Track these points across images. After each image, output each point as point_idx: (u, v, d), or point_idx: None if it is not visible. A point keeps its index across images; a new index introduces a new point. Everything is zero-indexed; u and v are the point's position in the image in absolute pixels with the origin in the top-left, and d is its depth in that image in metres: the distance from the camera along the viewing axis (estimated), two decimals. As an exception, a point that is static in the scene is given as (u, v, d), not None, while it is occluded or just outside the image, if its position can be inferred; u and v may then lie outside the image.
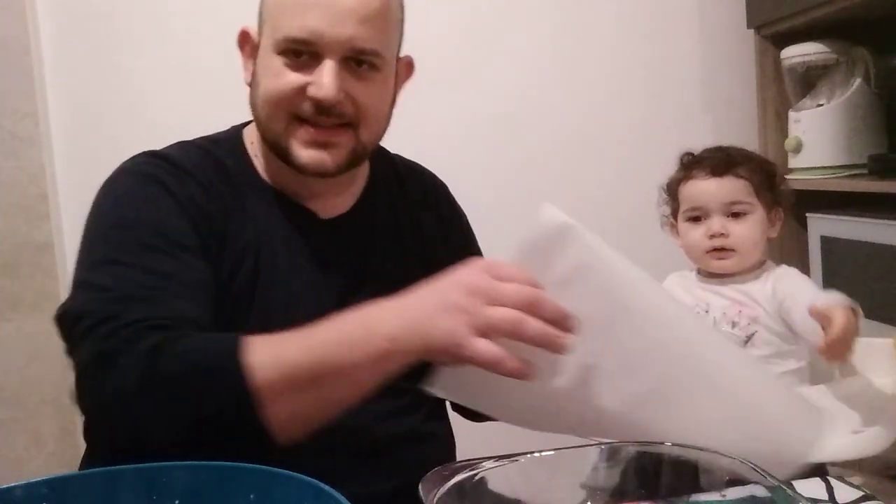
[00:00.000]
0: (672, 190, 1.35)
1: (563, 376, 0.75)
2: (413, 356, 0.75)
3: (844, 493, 0.82)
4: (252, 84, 1.01)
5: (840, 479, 0.85)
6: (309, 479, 0.57)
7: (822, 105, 1.89)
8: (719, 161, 1.28)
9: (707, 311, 1.26)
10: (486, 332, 0.70)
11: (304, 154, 0.96)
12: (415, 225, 1.11)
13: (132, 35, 1.90)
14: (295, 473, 0.58)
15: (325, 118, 0.95)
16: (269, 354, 0.76)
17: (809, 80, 1.96)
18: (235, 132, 1.07)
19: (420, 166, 1.20)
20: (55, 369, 1.77)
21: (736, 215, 1.26)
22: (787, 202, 1.33)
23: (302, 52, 0.94)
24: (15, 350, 1.85)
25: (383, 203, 1.10)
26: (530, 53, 2.08)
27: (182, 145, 1.03)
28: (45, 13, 1.88)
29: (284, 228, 1.00)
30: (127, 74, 1.91)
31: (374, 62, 0.97)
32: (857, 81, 1.85)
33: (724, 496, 0.63)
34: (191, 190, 0.95)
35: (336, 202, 1.05)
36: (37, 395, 1.86)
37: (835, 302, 1.03)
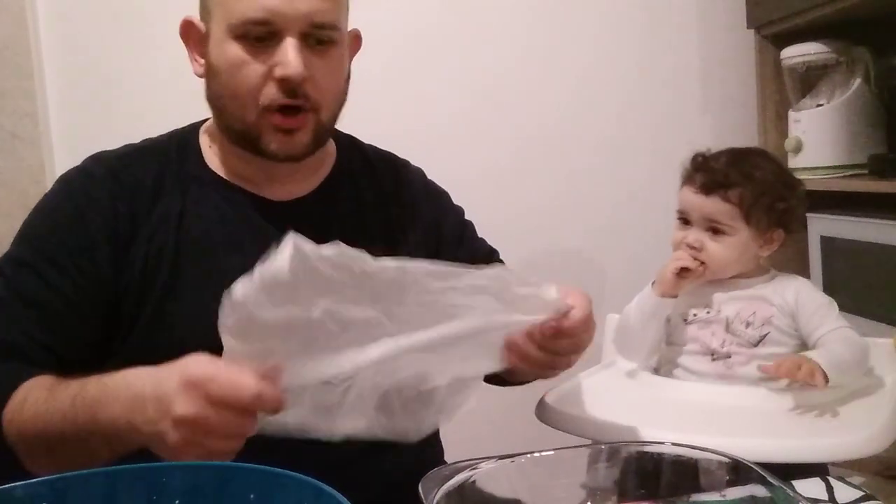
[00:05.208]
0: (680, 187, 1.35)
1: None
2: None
3: (844, 493, 0.82)
4: (208, 75, 1.00)
5: (840, 479, 0.85)
6: (309, 479, 0.56)
7: (822, 105, 1.88)
8: (713, 178, 1.26)
9: (719, 312, 1.26)
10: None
11: (273, 142, 0.98)
12: (382, 213, 1.11)
13: (132, 35, 1.90)
14: (295, 473, 0.57)
15: (292, 99, 0.96)
16: (10, 417, 0.83)
17: (809, 80, 1.95)
18: (192, 128, 1.09)
19: (393, 155, 1.20)
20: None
21: (716, 231, 1.27)
22: (795, 223, 1.30)
23: (260, 34, 0.94)
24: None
25: (348, 189, 1.10)
26: (529, 52, 2.07)
27: (130, 146, 1.06)
28: (45, 13, 1.87)
29: (226, 211, 1.02)
30: (127, 74, 1.91)
31: (332, 36, 0.97)
32: (857, 81, 1.85)
33: (724, 496, 0.63)
34: (101, 193, 0.98)
35: (297, 188, 1.07)
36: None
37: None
